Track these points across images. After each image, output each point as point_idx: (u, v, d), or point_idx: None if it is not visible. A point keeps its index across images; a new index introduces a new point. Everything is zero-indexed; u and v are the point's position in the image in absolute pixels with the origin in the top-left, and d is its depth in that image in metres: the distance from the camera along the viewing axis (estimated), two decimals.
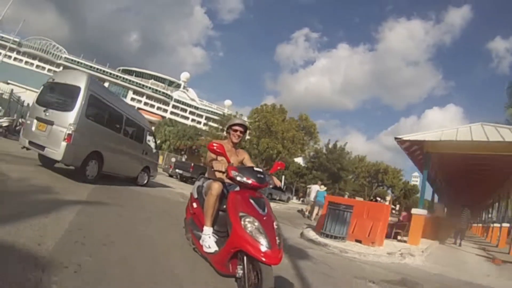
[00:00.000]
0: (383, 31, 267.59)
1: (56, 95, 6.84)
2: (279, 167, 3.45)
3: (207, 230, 3.07)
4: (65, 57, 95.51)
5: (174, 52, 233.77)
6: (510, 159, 10.19)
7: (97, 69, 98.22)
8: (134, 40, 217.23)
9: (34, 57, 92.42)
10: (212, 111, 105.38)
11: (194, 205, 3.57)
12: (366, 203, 11.96)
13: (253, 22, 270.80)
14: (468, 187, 19.89)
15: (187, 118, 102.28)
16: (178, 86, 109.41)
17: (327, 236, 7.33)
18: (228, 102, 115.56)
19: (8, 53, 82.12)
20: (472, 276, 6.43)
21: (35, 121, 6.66)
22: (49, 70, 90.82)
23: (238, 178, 2.89)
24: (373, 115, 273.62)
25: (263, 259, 2.38)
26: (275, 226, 2.68)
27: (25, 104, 25.34)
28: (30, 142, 6.62)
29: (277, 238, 2.56)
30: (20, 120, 19.32)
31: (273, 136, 22.83)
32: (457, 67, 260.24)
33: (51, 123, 6.40)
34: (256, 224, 2.54)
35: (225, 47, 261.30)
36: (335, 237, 7.24)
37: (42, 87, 7.16)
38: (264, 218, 2.66)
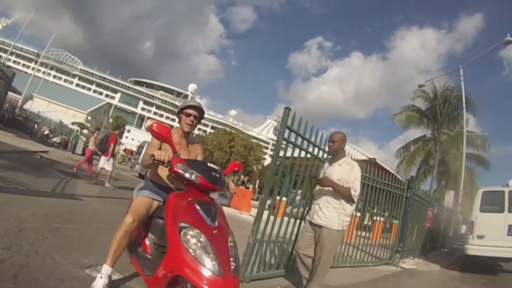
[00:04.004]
0: (395, 40, 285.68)
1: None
2: (235, 168, 2.88)
3: (105, 269, 2.45)
4: (80, 69, 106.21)
5: (188, 59, 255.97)
6: None
7: (110, 80, 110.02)
8: (149, 48, 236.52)
9: (51, 68, 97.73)
10: (217, 121, 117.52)
11: None
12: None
13: (266, 31, 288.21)
14: None
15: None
16: (186, 97, 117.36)
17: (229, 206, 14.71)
18: (233, 112, 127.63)
19: (27, 63, 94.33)
20: None
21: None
22: (65, 80, 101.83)
23: (187, 175, 2.29)
24: (384, 124, 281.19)
25: None
26: (230, 244, 2.15)
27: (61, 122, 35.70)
28: None
29: (231, 260, 2.05)
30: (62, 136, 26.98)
31: (222, 150, 37.82)
32: (469, 76, 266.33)
33: None
34: (202, 239, 1.99)
35: (238, 56, 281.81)
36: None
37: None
38: (214, 231, 2.11)
